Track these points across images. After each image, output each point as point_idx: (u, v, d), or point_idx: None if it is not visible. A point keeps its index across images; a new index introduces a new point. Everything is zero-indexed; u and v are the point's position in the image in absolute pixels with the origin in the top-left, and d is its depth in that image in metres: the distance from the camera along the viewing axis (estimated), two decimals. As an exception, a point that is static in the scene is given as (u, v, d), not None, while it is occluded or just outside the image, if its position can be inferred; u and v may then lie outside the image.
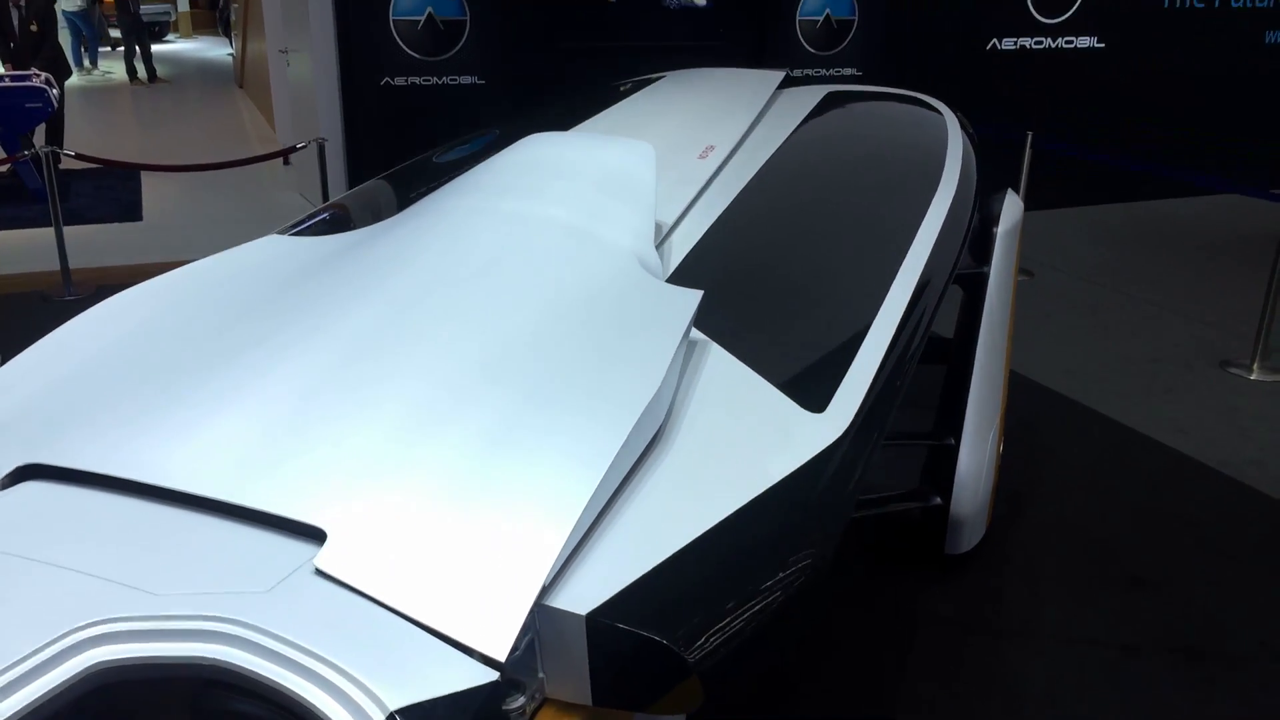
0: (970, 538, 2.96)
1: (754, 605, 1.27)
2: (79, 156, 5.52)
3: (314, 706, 1.04)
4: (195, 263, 1.98)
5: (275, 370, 1.52)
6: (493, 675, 1.11)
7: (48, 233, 6.30)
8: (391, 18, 5.56)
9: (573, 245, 1.89)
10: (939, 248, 2.26)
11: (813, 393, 1.69)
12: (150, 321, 1.75)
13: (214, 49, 17.49)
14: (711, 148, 2.72)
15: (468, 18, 5.68)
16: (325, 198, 5.62)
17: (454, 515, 1.28)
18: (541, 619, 1.20)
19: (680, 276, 2.06)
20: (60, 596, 1.14)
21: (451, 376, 1.51)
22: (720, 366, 1.73)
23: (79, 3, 13.53)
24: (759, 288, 2.13)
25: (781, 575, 1.32)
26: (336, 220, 2.47)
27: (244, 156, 6.10)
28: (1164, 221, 7.35)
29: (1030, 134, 5.84)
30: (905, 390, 1.84)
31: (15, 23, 7.36)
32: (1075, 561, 3.06)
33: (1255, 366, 4.69)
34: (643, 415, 1.43)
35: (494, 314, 1.67)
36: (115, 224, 6.69)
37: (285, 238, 2.10)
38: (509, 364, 1.55)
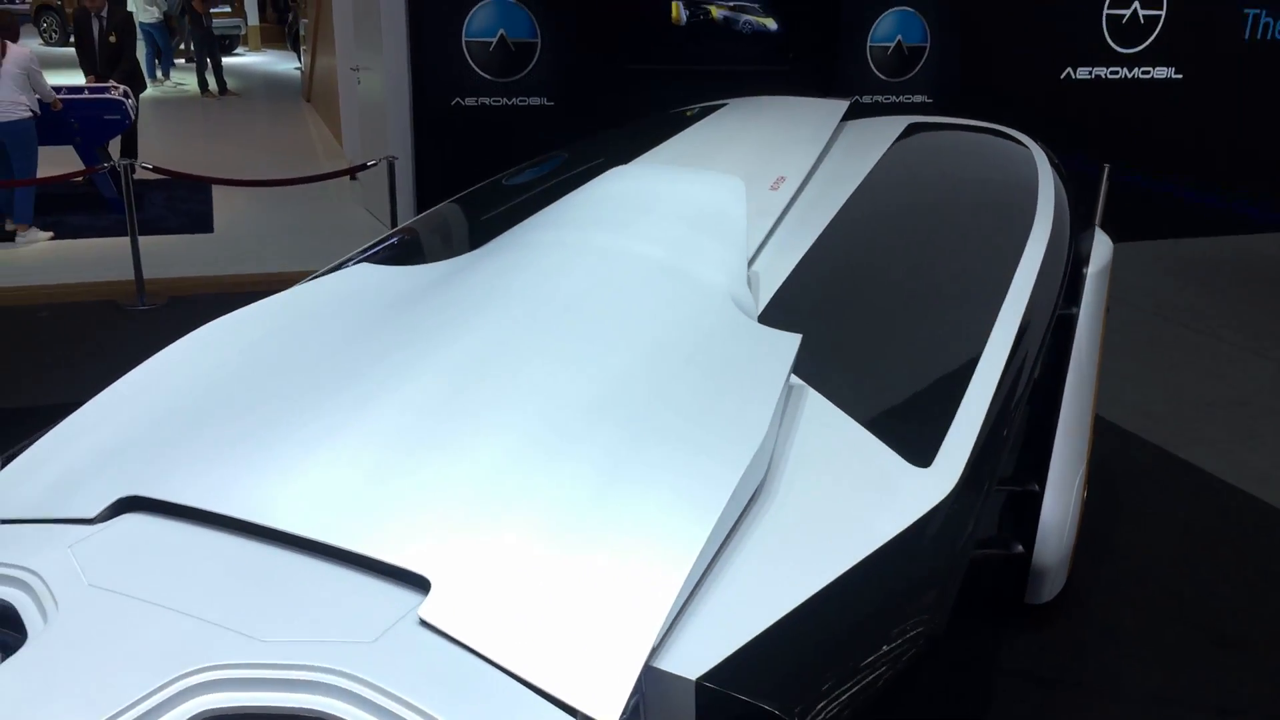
0: (1052, 587, 2.87)
1: (866, 675, 1.22)
2: (156, 170, 5.62)
3: None
4: (288, 291, 1.98)
5: (376, 407, 1.50)
6: None
7: (119, 242, 6.44)
8: (464, 38, 5.60)
9: (667, 283, 1.86)
10: (1039, 288, 2.17)
11: (917, 445, 1.62)
12: (247, 351, 1.75)
13: (281, 63, 17.82)
14: (783, 179, 2.68)
15: (539, 40, 5.70)
16: (393, 214, 5.66)
17: (560, 564, 1.25)
18: (648, 681, 1.15)
19: (769, 316, 2.01)
20: (168, 639, 1.12)
21: (554, 414, 1.48)
22: (820, 416, 1.68)
23: (156, 15, 13.87)
24: (854, 330, 2.06)
25: (894, 644, 1.27)
26: (412, 246, 2.46)
27: (311, 170, 6.18)
28: (1244, 257, 7.14)
29: (1108, 166, 5.70)
30: (1012, 440, 1.76)
31: (96, 34, 7.55)
32: (1159, 616, 2.95)
33: (1343, 412, 4.52)
34: (749, 466, 1.39)
35: (592, 352, 1.64)
36: (187, 235, 6.80)
37: (375, 267, 2.09)
38: (611, 404, 1.52)
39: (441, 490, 1.35)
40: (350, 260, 2.75)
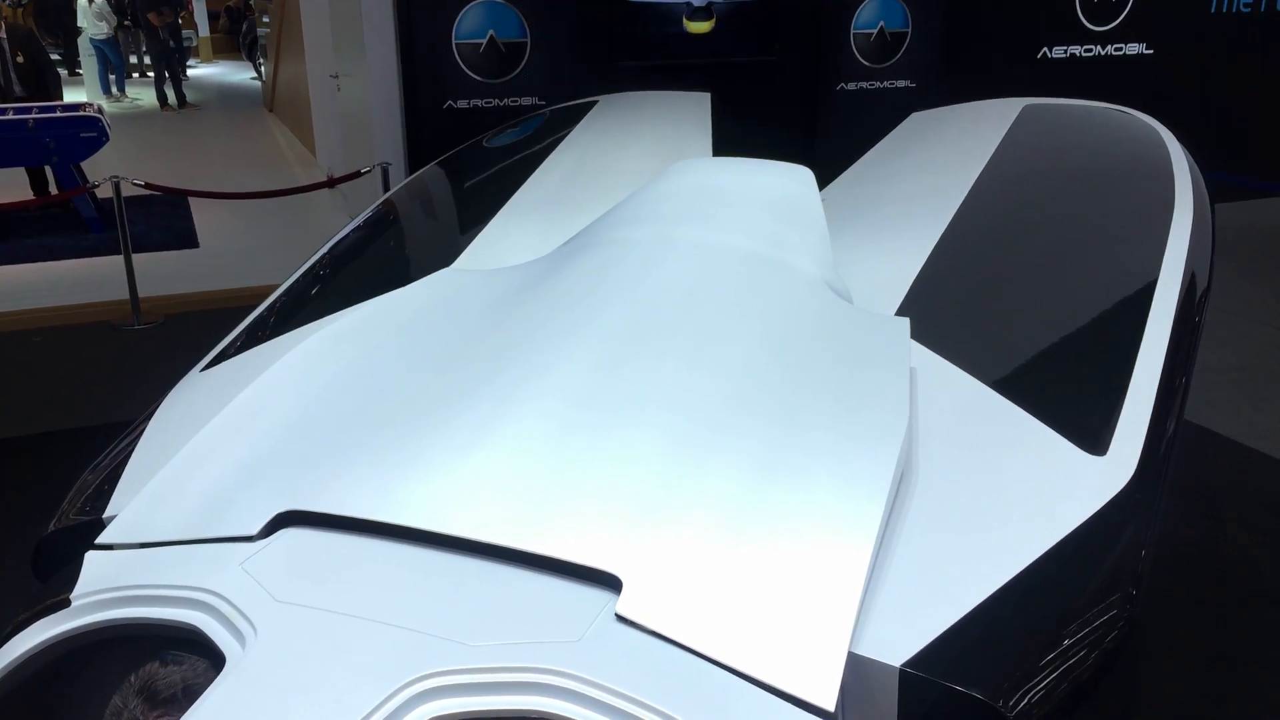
0: None
1: (1066, 661, 1.22)
2: (147, 186, 5.53)
3: None
4: (374, 301, 1.95)
5: (520, 409, 1.48)
6: None
7: (106, 262, 6.32)
8: (454, 41, 5.56)
9: (766, 273, 1.86)
10: (1190, 265, 2.10)
11: (1090, 432, 1.59)
12: (359, 362, 1.72)
13: (236, 73, 17.56)
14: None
15: (529, 39, 5.68)
16: (390, 222, 5.61)
17: (743, 551, 1.24)
18: (849, 668, 1.15)
19: (911, 302, 1.97)
20: (380, 650, 1.11)
21: (698, 408, 1.48)
22: (987, 405, 1.64)
23: (106, 30, 13.59)
24: (1002, 316, 2.01)
25: (1090, 631, 1.27)
26: (413, 213, 2.42)
27: (285, 180, 6.10)
28: (1222, 227, 7.29)
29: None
30: (1182, 421, 1.71)
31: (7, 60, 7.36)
32: (1203, 578, 3.02)
33: (1342, 373, 4.65)
34: (903, 443, 1.40)
35: (716, 345, 1.63)
36: (173, 251, 6.70)
37: (461, 272, 2.07)
38: (748, 394, 1.52)
39: (608, 488, 1.34)
40: (352, 229, 2.73)
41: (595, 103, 3.85)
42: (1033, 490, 1.47)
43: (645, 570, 1.22)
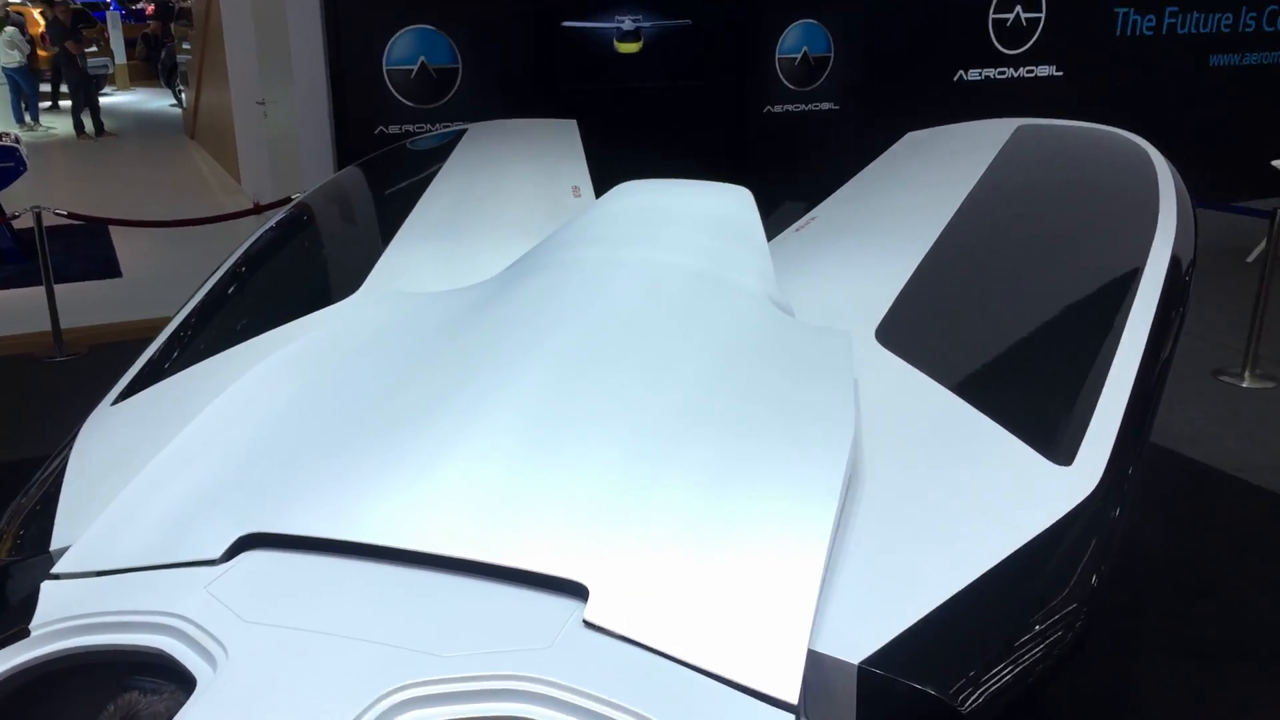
0: None
1: (1020, 663, 1.26)
2: (70, 215, 5.41)
3: None
4: (324, 326, 1.95)
5: (477, 426, 1.51)
6: (790, 718, 1.11)
7: (25, 293, 6.14)
8: (385, 67, 5.57)
9: (711, 290, 1.92)
10: (1169, 283, 2.13)
11: (1057, 443, 1.63)
12: (313, 385, 1.73)
13: (154, 100, 17.19)
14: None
15: (460, 65, 5.71)
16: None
17: (703, 556, 1.29)
18: (809, 665, 1.19)
19: (894, 316, 2.01)
20: (353, 665, 1.12)
21: (651, 422, 1.52)
22: (956, 415, 1.69)
23: (19, 59, 13.24)
24: (984, 332, 2.05)
25: (1045, 636, 1.31)
26: (304, 241, 2.42)
27: (210, 208, 6.01)
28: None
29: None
30: (1149, 438, 1.74)
31: None
32: (1128, 573, 3.15)
33: (1246, 375, 4.89)
34: (850, 448, 1.46)
35: (665, 361, 1.68)
36: (95, 282, 6.54)
37: (409, 294, 2.09)
38: (699, 407, 1.56)
39: (570, 500, 1.37)
40: (239, 259, 2.71)
41: (465, 131, 3.89)
42: (998, 497, 1.52)
43: (610, 578, 1.25)
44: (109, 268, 6.85)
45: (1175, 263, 2.22)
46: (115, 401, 2.02)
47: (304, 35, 5.58)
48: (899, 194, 2.91)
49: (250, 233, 3.03)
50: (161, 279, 6.67)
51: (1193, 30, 8.04)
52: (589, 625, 1.20)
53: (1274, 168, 7.29)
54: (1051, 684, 1.33)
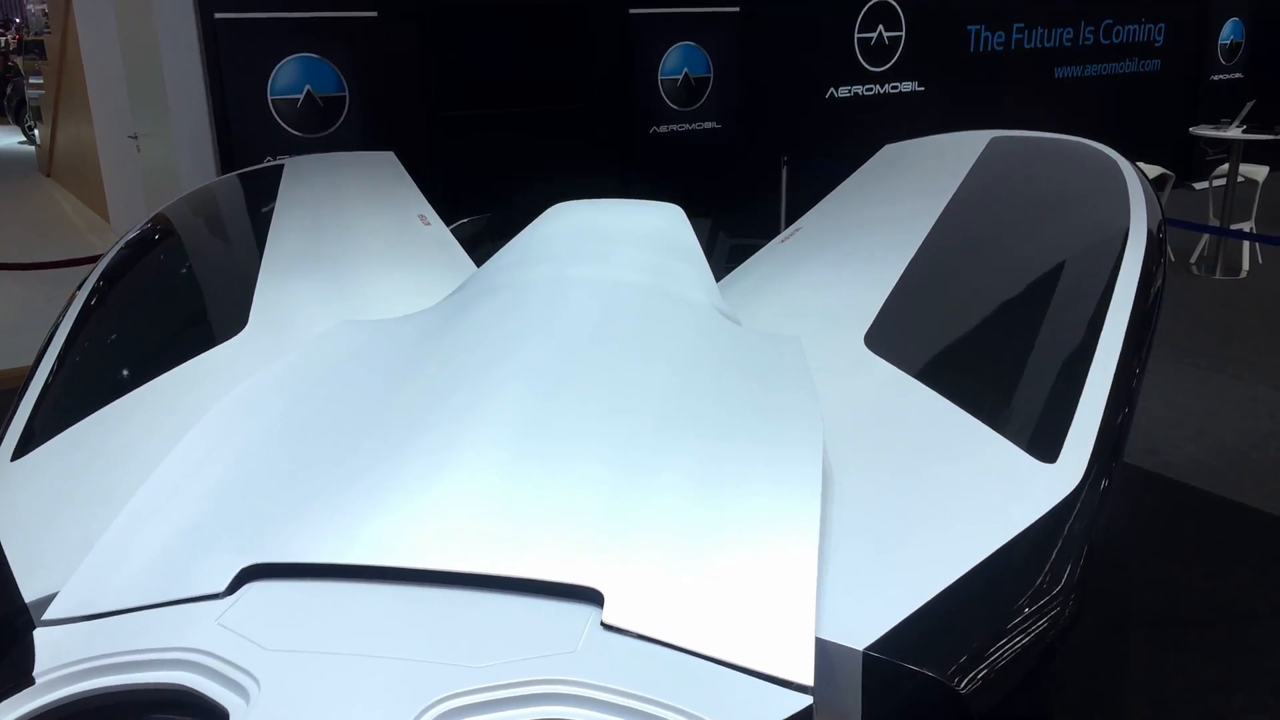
0: None
1: (1015, 648, 1.34)
2: (-63, 260, 5.12)
3: None
4: (286, 359, 1.91)
5: (466, 443, 1.54)
6: (808, 699, 1.17)
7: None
8: (269, 97, 5.49)
9: (662, 304, 1.98)
10: (1143, 283, 2.18)
11: (1042, 442, 1.69)
12: (285, 416, 1.73)
13: (1, 138, 16.32)
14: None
15: (346, 93, 5.68)
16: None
17: (704, 556, 1.35)
18: (818, 652, 1.25)
19: (881, 323, 2.06)
20: (389, 683, 1.13)
21: (631, 432, 1.58)
22: (945, 417, 1.75)
23: None
24: (964, 336, 2.10)
25: (1037, 621, 1.38)
26: (162, 275, 2.52)
27: (75, 248, 5.73)
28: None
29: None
30: (1128, 436, 1.80)
31: None
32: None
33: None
34: (822, 449, 1.54)
35: (632, 374, 1.74)
36: (-38, 328, 6.20)
37: (359, 322, 2.09)
38: (674, 416, 1.63)
39: (569, 510, 1.41)
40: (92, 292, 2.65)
41: (283, 166, 3.80)
42: (988, 493, 1.59)
43: (622, 582, 1.30)
44: (-26, 314, 6.49)
45: (1148, 269, 2.26)
46: (15, 457, 1.92)
47: (181, 66, 5.46)
48: (880, 204, 2.97)
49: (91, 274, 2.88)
50: (28, 325, 6.35)
51: (1039, 45, 8.63)
52: (608, 628, 1.24)
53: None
54: (1047, 667, 1.41)
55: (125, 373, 2.19)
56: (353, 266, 2.66)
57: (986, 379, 1.92)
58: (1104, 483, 1.64)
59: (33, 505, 1.74)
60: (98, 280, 2.72)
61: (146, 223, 3.29)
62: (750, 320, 2.23)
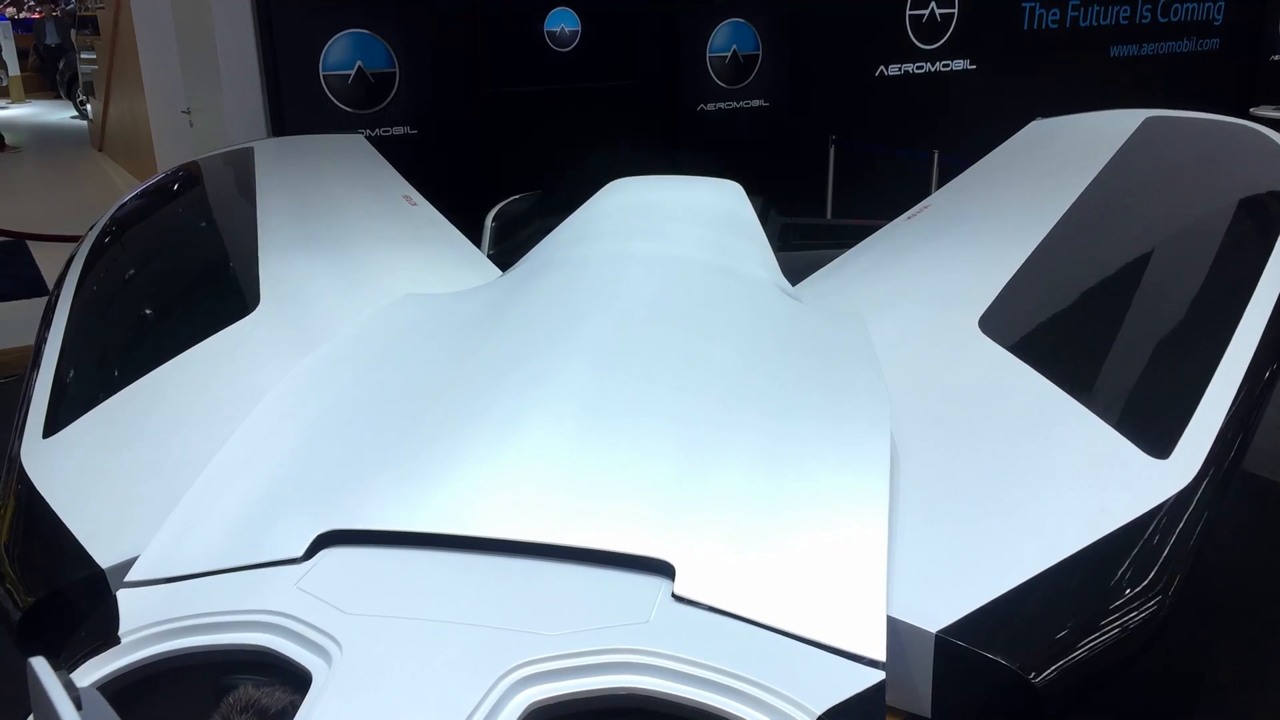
0: None
1: (1097, 646, 1.32)
2: (3, 232, 5.24)
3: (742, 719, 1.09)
4: (349, 331, 1.93)
5: (533, 416, 1.55)
6: (881, 675, 1.17)
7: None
8: (321, 73, 5.53)
9: (724, 281, 1.98)
10: None
11: (1155, 436, 1.64)
12: (355, 386, 1.75)
13: (53, 113, 16.57)
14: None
15: (397, 70, 5.71)
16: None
17: (772, 531, 1.35)
18: (889, 630, 1.25)
19: (1000, 305, 2.02)
20: (466, 648, 1.16)
21: (696, 407, 1.58)
22: (1053, 404, 1.72)
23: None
24: (1086, 324, 2.05)
25: (1125, 621, 1.35)
26: (162, 258, 2.53)
27: None
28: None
29: (936, 153, 6.28)
30: (1254, 435, 1.73)
31: None
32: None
33: None
34: (889, 428, 1.53)
35: (695, 349, 1.74)
36: (23, 301, 6.34)
37: (423, 296, 2.11)
38: (738, 392, 1.63)
39: (637, 483, 1.41)
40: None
41: (252, 148, 3.78)
42: (1090, 484, 1.56)
43: (692, 555, 1.31)
44: (35, 286, 6.64)
45: None
46: (46, 435, 1.94)
47: (234, 41, 5.51)
48: (1017, 183, 2.88)
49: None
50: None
51: (1094, 23, 8.44)
52: (679, 599, 1.25)
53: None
54: (1128, 668, 1.38)
55: (144, 351, 2.21)
56: (353, 246, 2.66)
57: (1102, 367, 1.86)
58: (1218, 486, 1.57)
59: (79, 478, 1.77)
60: (83, 266, 2.70)
61: (130, 199, 3.30)
62: (860, 297, 2.18)
